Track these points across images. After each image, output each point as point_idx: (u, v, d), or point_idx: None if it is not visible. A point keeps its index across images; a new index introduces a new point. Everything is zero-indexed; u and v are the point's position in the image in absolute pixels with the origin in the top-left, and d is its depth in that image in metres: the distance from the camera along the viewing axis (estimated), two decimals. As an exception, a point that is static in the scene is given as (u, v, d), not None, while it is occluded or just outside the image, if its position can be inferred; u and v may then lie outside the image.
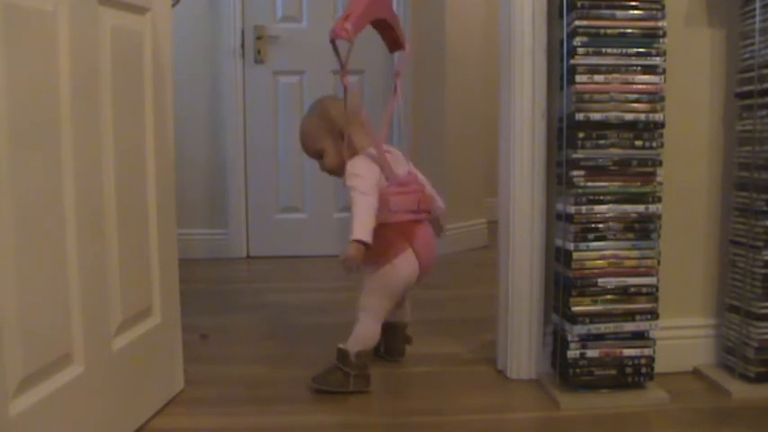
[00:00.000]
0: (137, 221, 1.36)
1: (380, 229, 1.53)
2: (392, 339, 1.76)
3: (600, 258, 1.48)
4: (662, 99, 1.47)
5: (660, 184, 1.49)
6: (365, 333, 1.60)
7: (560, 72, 1.51)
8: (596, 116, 1.46)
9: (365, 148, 1.63)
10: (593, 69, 1.45)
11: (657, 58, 1.46)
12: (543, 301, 1.62)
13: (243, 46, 3.16)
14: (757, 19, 1.49)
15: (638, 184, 1.48)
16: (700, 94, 1.63)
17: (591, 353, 1.49)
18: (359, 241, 1.47)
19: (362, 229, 1.48)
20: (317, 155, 1.68)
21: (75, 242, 1.12)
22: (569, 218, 1.48)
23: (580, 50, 1.44)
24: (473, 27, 3.40)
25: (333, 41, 1.53)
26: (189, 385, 1.58)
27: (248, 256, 3.27)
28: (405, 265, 1.59)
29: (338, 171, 1.65)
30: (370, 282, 1.61)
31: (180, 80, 1.68)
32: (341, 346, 1.58)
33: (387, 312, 1.64)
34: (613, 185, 1.48)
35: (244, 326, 2.13)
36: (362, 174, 1.56)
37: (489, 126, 3.20)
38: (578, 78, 1.45)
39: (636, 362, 1.51)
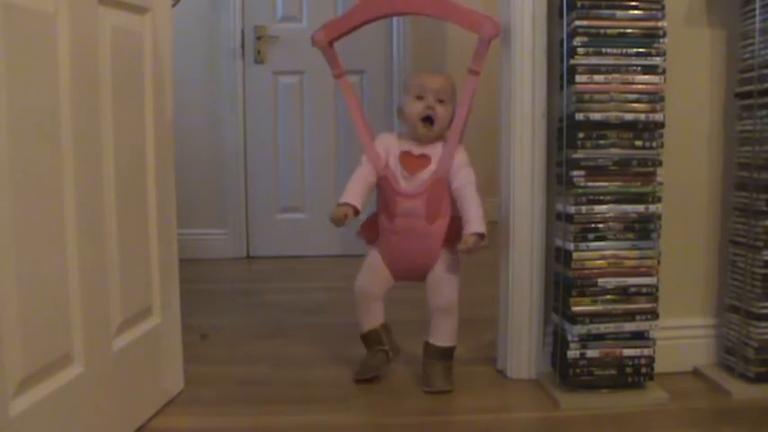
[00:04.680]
0: (137, 221, 1.36)
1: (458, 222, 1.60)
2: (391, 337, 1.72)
3: (600, 258, 1.48)
4: (662, 99, 1.47)
5: (660, 184, 1.49)
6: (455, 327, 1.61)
7: (560, 72, 1.51)
8: (596, 116, 1.46)
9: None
10: (593, 69, 1.45)
11: (657, 58, 1.46)
12: (543, 301, 1.62)
13: (243, 46, 3.16)
14: (757, 19, 1.49)
15: (638, 184, 1.48)
16: (700, 94, 1.63)
17: (591, 353, 1.49)
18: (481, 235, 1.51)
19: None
20: (439, 98, 1.59)
21: (75, 242, 1.12)
22: (569, 218, 1.48)
23: (580, 50, 1.44)
24: (473, 27, 3.39)
25: (320, 48, 1.70)
26: (189, 385, 1.58)
27: (248, 256, 3.26)
28: None
29: (439, 128, 1.61)
30: (456, 277, 1.59)
31: (180, 80, 1.67)
32: (447, 344, 1.58)
33: None
34: (613, 185, 1.48)
35: (244, 326, 2.13)
36: None
37: (489, 126, 3.20)
38: (578, 78, 1.45)
39: (636, 362, 1.51)
